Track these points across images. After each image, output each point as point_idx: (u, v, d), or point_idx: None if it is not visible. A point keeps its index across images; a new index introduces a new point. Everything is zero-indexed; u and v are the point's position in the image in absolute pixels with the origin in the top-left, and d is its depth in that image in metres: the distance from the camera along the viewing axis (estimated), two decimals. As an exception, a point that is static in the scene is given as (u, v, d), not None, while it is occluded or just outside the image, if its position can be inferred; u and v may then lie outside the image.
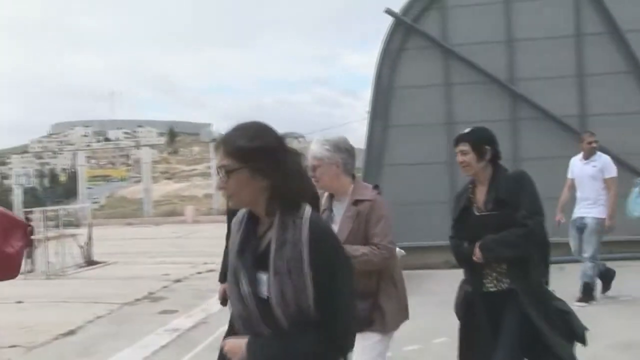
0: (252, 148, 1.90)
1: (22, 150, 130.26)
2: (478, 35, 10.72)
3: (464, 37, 10.79)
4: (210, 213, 40.92)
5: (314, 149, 3.28)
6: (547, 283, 3.57)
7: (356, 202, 3.23)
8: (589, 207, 7.37)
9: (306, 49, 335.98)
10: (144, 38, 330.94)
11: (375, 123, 10.98)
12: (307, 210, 1.92)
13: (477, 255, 3.53)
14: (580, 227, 7.42)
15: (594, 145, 7.44)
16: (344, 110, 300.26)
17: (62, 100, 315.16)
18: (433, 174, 10.45)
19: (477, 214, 3.61)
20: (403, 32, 11.02)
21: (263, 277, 1.89)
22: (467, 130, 3.68)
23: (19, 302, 9.65)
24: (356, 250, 3.11)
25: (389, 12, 11.00)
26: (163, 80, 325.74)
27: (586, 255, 7.34)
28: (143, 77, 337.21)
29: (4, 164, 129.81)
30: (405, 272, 3.49)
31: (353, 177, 3.39)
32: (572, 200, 7.66)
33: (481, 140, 3.61)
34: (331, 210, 3.31)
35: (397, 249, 3.44)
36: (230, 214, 4.20)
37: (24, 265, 15.04)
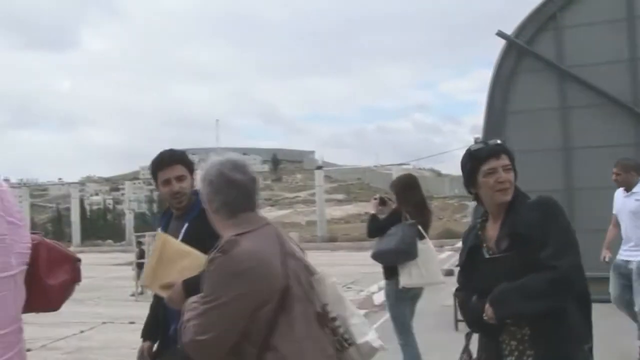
0: None
1: (133, 176, 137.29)
2: (598, 55, 10.30)
3: (582, 58, 10.40)
4: (314, 240, 41.36)
5: None
6: (590, 350, 2.60)
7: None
8: (633, 250, 6.30)
9: (406, 75, 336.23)
10: (247, 67, 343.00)
11: (486, 149, 10.76)
12: None
13: (488, 313, 2.54)
14: (625, 274, 6.35)
15: (613, 177, 6.39)
16: (445, 136, 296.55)
17: (170, 129, 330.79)
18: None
19: (487, 256, 2.70)
20: (515, 54, 10.78)
21: None
22: (495, 140, 2.80)
23: (132, 322, 10.12)
24: (193, 309, 2.25)
25: (500, 34, 10.81)
26: (267, 108, 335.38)
27: (637, 308, 6.26)
28: (247, 105, 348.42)
29: (117, 189, 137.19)
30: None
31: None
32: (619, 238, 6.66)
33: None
34: None
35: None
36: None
37: (135, 287, 15.88)
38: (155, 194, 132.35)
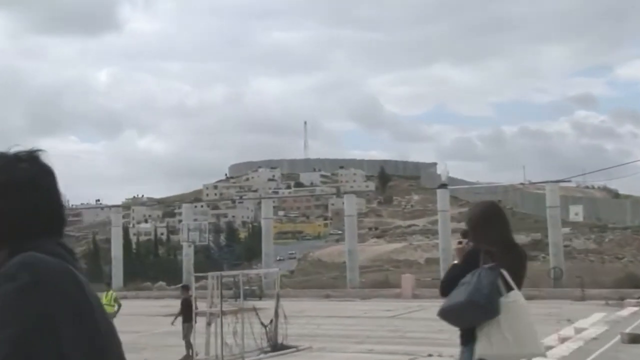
0: None
1: (194, 197, 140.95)
2: None
3: None
4: (435, 285, 40.77)
5: None
6: None
7: None
8: None
9: (564, 58, 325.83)
10: (344, 53, 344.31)
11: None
12: None
13: None
14: None
15: None
16: (623, 142, 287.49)
17: (244, 134, 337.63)
18: None
19: None
20: None
21: None
22: None
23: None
24: None
25: None
26: (370, 106, 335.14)
27: None
28: (345, 103, 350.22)
29: (172, 215, 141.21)
30: None
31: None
32: None
33: None
34: None
35: None
36: None
37: (191, 348, 15.96)
38: (223, 222, 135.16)
